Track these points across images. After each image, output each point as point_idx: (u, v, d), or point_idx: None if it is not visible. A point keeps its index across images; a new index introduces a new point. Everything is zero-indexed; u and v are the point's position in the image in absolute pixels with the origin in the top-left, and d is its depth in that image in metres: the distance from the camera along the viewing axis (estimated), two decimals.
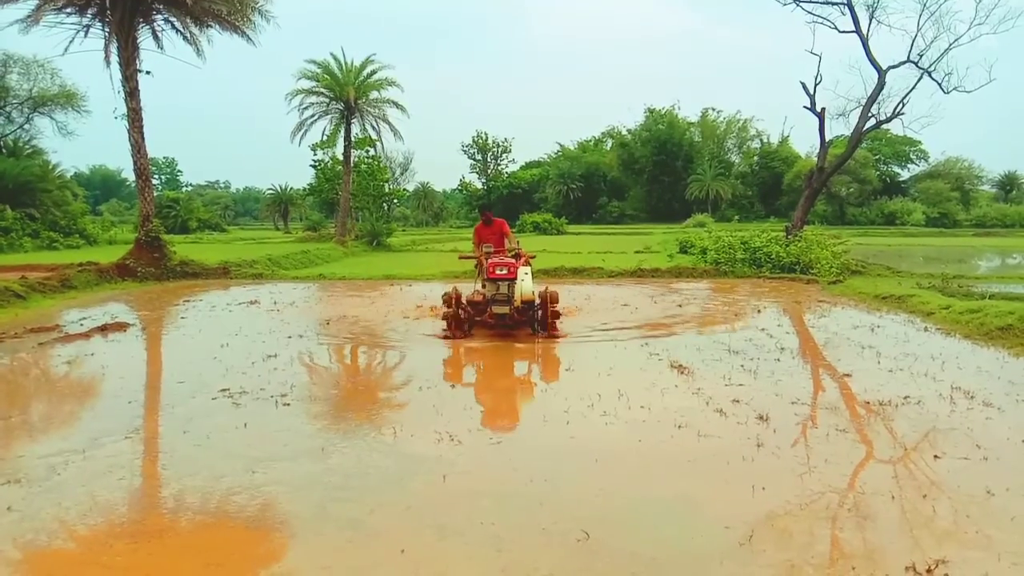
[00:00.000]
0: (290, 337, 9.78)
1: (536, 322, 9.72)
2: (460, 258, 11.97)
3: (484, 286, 9.73)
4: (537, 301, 9.60)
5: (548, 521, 3.95)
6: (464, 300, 9.74)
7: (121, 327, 10.69)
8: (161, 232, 19.99)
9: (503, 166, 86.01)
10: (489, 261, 9.61)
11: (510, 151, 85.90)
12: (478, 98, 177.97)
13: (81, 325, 10.88)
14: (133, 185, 25.90)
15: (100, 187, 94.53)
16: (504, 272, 9.39)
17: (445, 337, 9.60)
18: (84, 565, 3.60)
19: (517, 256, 10.03)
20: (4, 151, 35.82)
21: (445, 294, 9.88)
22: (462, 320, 9.68)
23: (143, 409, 6.51)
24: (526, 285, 9.47)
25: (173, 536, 3.87)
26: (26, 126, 38.20)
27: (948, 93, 19.05)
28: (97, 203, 79.77)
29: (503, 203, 73.30)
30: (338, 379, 7.74)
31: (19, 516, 4.05)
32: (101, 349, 9.07)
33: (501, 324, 9.69)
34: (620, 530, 3.88)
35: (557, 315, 9.75)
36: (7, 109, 36.76)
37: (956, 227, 58.57)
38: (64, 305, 13.43)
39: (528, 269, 9.95)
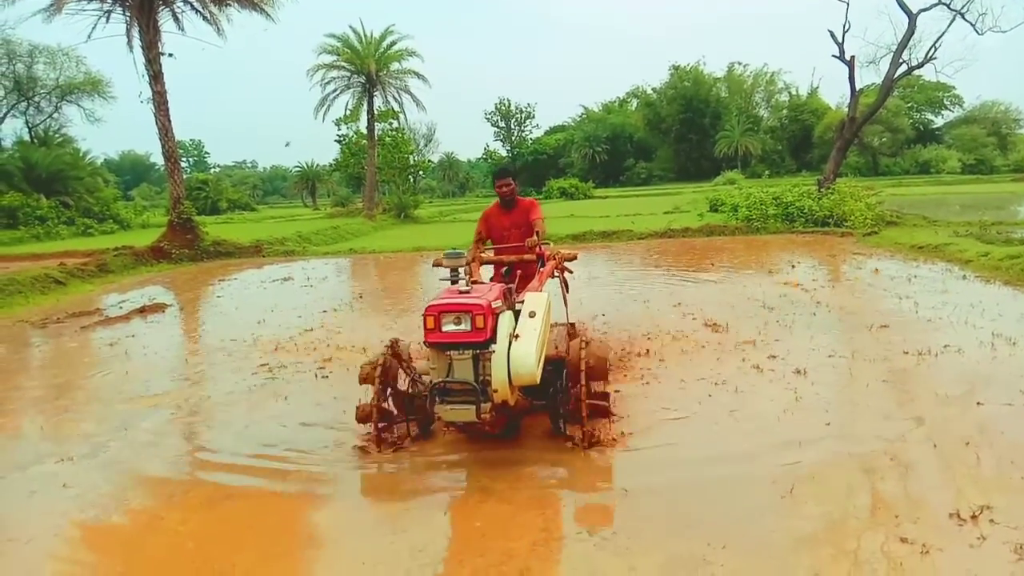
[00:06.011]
0: (324, 311, 9.89)
1: (560, 409, 4.55)
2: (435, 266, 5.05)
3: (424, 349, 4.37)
4: (562, 351, 4.71)
5: None
6: (414, 369, 4.79)
7: (159, 308, 10.91)
8: (192, 214, 20.27)
9: (527, 132, 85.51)
10: (431, 301, 4.03)
11: (534, 116, 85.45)
12: (499, 64, 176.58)
13: (120, 308, 11.12)
14: (162, 169, 26.16)
15: (130, 172, 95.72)
16: (459, 328, 3.95)
17: (366, 447, 4.60)
18: (138, 536, 3.72)
19: (540, 259, 5.38)
20: (35, 141, 36.45)
21: (367, 365, 4.74)
22: (400, 417, 4.80)
23: (185, 386, 6.65)
24: (521, 352, 3.92)
25: (221, 507, 3.98)
26: (55, 115, 38.93)
27: (982, 34, 18.51)
28: (128, 188, 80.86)
29: (528, 170, 72.51)
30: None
31: (74, 492, 4.19)
32: (141, 330, 9.26)
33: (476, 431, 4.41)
34: (658, 487, 3.90)
35: (605, 397, 4.72)
36: (36, 99, 37.32)
37: (993, 173, 56.92)
38: (103, 289, 13.73)
39: (541, 301, 4.34)
